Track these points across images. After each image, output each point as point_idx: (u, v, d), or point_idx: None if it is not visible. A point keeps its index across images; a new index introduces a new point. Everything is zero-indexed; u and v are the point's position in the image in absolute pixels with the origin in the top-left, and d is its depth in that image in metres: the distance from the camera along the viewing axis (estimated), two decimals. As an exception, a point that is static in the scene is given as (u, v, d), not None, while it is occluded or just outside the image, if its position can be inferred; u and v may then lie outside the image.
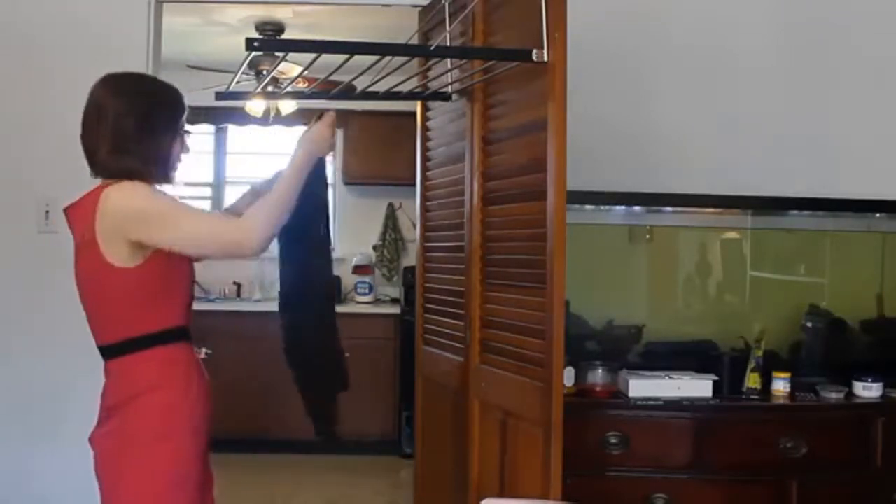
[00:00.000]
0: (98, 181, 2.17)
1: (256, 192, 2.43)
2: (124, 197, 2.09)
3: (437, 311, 3.26)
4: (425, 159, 3.42)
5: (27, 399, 3.48)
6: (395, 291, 6.57)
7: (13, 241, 3.52)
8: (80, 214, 2.14)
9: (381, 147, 6.25)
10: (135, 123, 2.13)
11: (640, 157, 3.52)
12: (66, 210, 2.21)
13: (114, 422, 2.19)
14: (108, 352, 2.19)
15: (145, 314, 2.16)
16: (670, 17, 3.57)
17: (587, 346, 3.38)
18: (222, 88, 3.19)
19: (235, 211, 2.47)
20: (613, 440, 2.99)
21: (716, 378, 3.14)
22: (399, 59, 2.74)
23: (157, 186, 2.21)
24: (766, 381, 3.19)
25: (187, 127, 2.27)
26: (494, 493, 2.68)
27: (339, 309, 6.17)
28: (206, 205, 6.74)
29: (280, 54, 2.88)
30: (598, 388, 3.12)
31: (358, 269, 6.41)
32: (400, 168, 5.53)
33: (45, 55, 3.52)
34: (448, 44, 3.01)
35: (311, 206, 2.33)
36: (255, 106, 5.72)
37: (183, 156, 2.27)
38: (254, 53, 2.49)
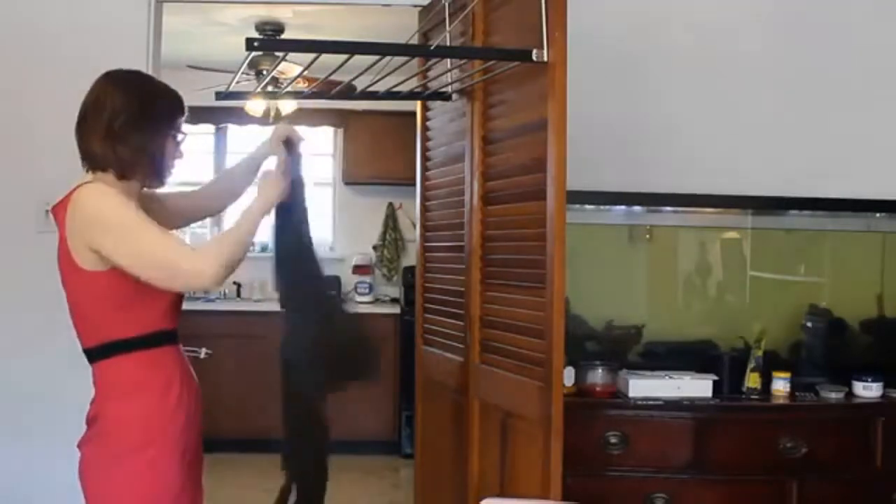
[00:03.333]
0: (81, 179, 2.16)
1: (231, 174, 2.56)
2: (91, 202, 2.06)
3: (437, 310, 3.26)
4: (425, 159, 3.41)
5: (24, 399, 3.48)
6: (395, 291, 6.57)
7: (12, 242, 3.52)
8: (59, 214, 2.13)
9: (381, 147, 6.25)
10: (129, 116, 2.11)
11: (640, 157, 3.52)
12: (52, 209, 2.18)
13: (93, 429, 2.16)
14: (89, 356, 2.16)
15: (119, 319, 2.11)
16: (670, 17, 3.56)
17: (587, 346, 3.37)
18: (222, 88, 3.19)
19: (205, 192, 2.56)
20: (613, 440, 2.99)
21: (716, 378, 3.14)
22: (399, 59, 2.74)
23: (146, 188, 2.23)
24: (766, 381, 3.18)
25: (184, 131, 2.25)
26: (494, 492, 2.68)
27: (339, 309, 6.21)
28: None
29: (280, 54, 2.87)
30: (598, 388, 3.12)
31: (358, 269, 6.41)
32: (400, 168, 5.53)
33: (44, 55, 3.52)
34: (448, 44, 3.01)
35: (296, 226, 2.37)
36: (255, 106, 5.72)
37: (177, 161, 2.24)
38: (254, 53, 2.49)
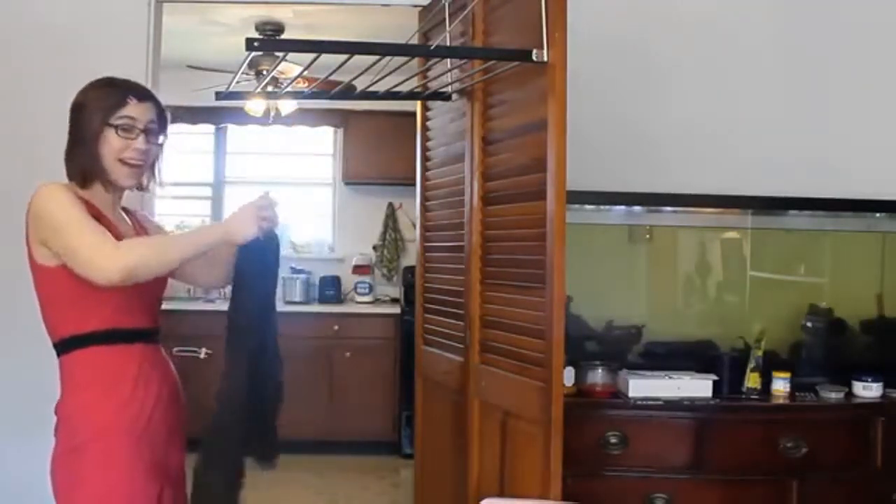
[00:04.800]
0: None
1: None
2: (39, 197, 2.11)
3: (436, 311, 3.26)
4: (425, 159, 3.42)
5: (25, 399, 3.47)
6: (395, 291, 6.57)
7: (12, 241, 3.51)
8: None
9: (381, 147, 6.26)
10: (69, 126, 2.19)
11: (640, 157, 3.52)
12: None
13: (55, 423, 2.18)
14: (55, 350, 2.18)
15: (73, 314, 2.13)
16: (671, 17, 3.57)
17: (587, 346, 3.37)
18: (222, 88, 3.19)
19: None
20: (613, 440, 2.99)
21: (716, 378, 3.14)
22: (399, 59, 2.74)
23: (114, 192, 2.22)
24: (766, 381, 3.18)
25: (130, 118, 2.14)
26: (494, 493, 2.68)
27: (340, 309, 6.24)
28: (206, 205, 6.74)
29: (280, 54, 2.87)
30: (598, 388, 3.12)
31: (358, 269, 6.42)
32: (400, 168, 5.52)
33: (45, 55, 3.52)
34: (448, 44, 3.01)
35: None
36: (255, 106, 5.71)
37: (135, 153, 2.15)
38: (254, 53, 2.49)
